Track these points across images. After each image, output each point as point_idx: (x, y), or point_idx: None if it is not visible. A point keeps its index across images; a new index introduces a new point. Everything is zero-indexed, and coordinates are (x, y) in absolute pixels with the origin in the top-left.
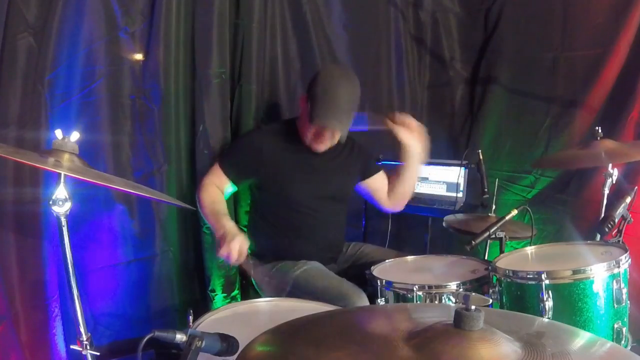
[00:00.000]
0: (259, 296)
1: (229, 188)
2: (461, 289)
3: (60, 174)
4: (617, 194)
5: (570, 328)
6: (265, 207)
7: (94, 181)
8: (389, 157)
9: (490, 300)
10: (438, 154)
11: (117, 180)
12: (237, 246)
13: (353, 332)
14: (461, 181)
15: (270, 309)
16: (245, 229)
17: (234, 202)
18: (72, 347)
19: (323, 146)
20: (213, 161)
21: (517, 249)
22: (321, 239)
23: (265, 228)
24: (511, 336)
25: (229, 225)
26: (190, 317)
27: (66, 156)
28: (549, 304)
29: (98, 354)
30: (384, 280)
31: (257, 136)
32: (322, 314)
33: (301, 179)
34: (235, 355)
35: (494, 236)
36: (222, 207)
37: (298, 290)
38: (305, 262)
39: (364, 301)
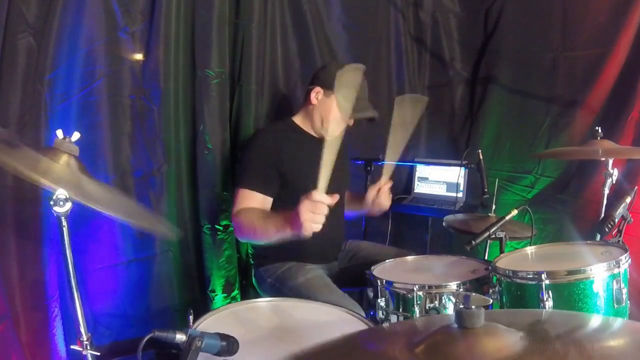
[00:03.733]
0: (259, 296)
1: (267, 204)
2: (461, 289)
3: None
4: (617, 194)
5: (571, 313)
6: (274, 206)
7: (77, 198)
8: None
9: (491, 301)
10: (438, 154)
11: (103, 199)
12: (307, 212)
13: (358, 354)
14: (461, 181)
15: (270, 309)
16: None
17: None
18: (72, 347)
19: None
20: (233, 188)
21: (517, 249)
22: (325, 237)
23: None
24: (514, 327)
25: (283, 213)
26: (190, 317)
27: (64, 158)
28: (549, 304)
29: (98, 354)
30: (384, 280)
31: (268, 137)
32: (327, 345)
33: (315, 175)
34: (235, 356)
35: (494, 236)
36: (261, 213)
37: (298, 297)
38: (309, 270)
39: None
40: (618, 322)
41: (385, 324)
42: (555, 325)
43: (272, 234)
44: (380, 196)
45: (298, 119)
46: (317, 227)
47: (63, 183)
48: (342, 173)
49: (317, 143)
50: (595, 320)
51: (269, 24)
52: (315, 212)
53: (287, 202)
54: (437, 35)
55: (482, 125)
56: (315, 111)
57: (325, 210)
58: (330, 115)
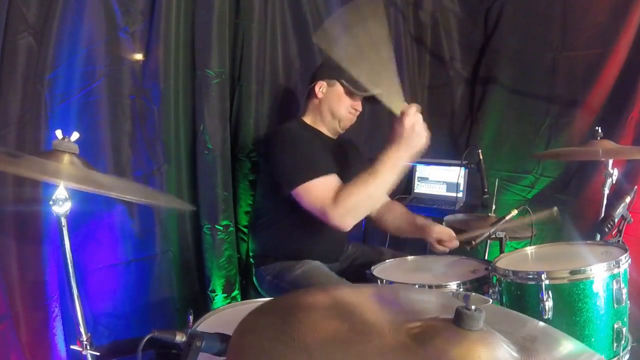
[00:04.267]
0: (259, 296)
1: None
2: (461, 289)
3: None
4: (617, 194)
5: (562, 335)
6: (281, 206)
7: (93, 189)
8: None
9: (490, 300)
10: (438, 154)
11: (116, 185)
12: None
13: (350, 315)
14: (461, 181)
15: None
16: (245, 229)
17: (233, 202)
18: (72, 347)
19: (352, 121)
20: (297, 185)
21: (517, 249)
22: (328, 237)
23: (274, 228)
24: (508, 338)
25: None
26: (190, 317)
27: (66, 158)
28: (548, 304)
29: (98, 354)
30: (384, 280)
31: (292, 131)
32: (319, 291)
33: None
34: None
35: (494, 236)
36: (357, 178)
37: (297, 290)
38: (306, 262)
39: None
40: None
41: (390, 284)
42: (546, 346)
43: (388, 175)
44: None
45: (308, 119)
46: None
47: (74, 179)
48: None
49: (329, 141)
50: (575, 351)
51: (269, 24)
52: (418, 123)
53: (279, 204)
54: (437, 35)
55: (482, 125)
56: (323, 105)
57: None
58: (339, 103)
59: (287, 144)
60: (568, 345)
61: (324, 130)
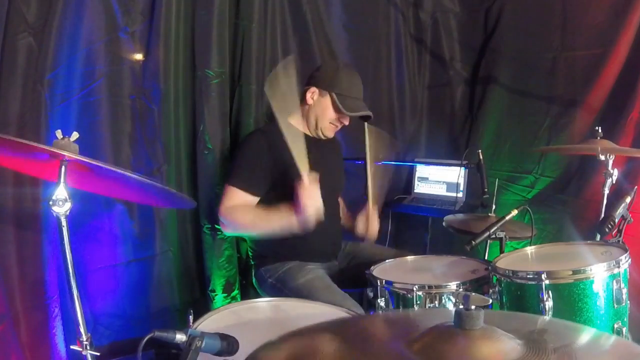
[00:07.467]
0: (259, 296)
1: (254, 203)
2: (461, 289)
3: (61, 162)
4: (617, 194)
5: (572, 324)
6: (277, 205)
7: (97, 163)
8: (388, 157)
9: (490, 300)
10: (438, 154)
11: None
12: (307, 197)
13: (355, 339)
14: (461, 181)
15: (270, 309)
16: None
17: None
18: (72, 347)
19: (334, 131)
20: (222, 184)
21: (517, 249)
22: (324, 234)
23: None
24: (513, 334)
25: (282, 206)
26: (190, 317)
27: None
28: (549, 304)
29: (98, 354)
30: (383, 280)
31: (261, 139)
32: (323, 323)
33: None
34: (235, 356)
35: (494, 236)
36: (260, 210)
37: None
38: (309, 270)
39: None
40: (611, 340)
41: (381, 312)
42: (554, 337)
43: (275, 226)
44: (370, 225)
45: (294, 120)
46: (319, 207)
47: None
48: (338, 174)
49: (313, 143)
50: (593, 336)
51: (269, 24)
52: (313, 195)
53: (280, 201)
54: (437, 35)
55: (482, 125)
56: (310, 111)
57: (318, 191)
58: (325, 114)
59: (243, 147)
60: (582, 332)
61: (306, 131)
